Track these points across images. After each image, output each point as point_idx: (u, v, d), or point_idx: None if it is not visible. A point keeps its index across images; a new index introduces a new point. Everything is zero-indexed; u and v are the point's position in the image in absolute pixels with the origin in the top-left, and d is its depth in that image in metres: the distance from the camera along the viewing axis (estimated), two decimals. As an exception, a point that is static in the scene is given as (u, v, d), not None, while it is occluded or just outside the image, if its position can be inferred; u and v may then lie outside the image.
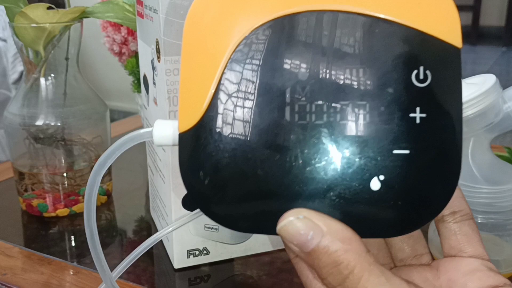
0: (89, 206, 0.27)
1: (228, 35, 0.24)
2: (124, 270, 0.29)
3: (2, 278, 0.45)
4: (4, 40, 1.62)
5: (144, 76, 0.49)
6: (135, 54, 0.74)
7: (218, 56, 0.24)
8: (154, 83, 0.45)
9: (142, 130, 0.27)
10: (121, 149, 0.27)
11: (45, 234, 0.54)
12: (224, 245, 0.47)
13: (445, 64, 0.24)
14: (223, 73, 0.24)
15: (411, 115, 0.23)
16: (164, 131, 0.26)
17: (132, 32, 0.72)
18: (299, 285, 0.45)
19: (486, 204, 0.43)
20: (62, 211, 0.56)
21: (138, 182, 0.66)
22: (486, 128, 0.47)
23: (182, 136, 0.25)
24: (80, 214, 0.57)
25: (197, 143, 0.24)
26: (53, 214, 0.56)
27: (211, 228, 0.46)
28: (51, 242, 0.52)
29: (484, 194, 0.43)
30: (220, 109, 0.24)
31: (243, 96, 0.24)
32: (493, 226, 0.43)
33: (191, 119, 0.24)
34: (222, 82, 0.24)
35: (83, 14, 0.53)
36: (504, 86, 0.51)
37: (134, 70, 0.74)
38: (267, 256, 0.49)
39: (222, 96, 0.24)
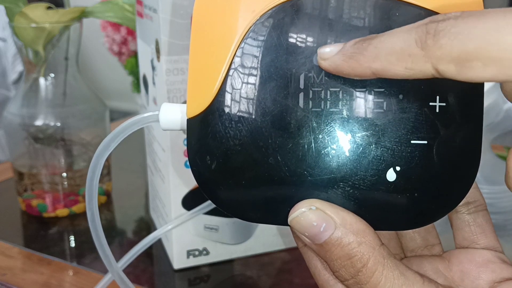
0: (90, 190, 0.26)
1: (241, 15, 0.23)
2: (129, 262, 0.29)
3: (2, 278, 0.45)
4: (4, 40, 1.62)
5: (144, 76, 0.49)
6: (135, 54, 0.74)
7: (229, 39, 0.23)
8: (154, 83, 0.45)
9: (147, 114, 0.26)
10: (125, 132, 0.26)
11: (45, 234, 0.54)
12: (224, 245, 0.47)
13: None
14: (234, 56, 0.23)
15: (431, 104, 0.22)
16: (172, 115, 0.25)
17: (131, 32, 0.72)
18: (299, 286, 0.45)
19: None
20: (62, 211, 0.56)
21: (138, 182, 0.66)
22: (486, 128, 0.47)
23: (191, 122, 0.24)
24: (80, 215, 0.57)
25: (208, 129, 0.23)
26: (52, 214, 0.56)
27: (211, 228, 0.46)
28: (51, 242, 0.52)
29: (484, 194, 0.43)
30: (231, 94, 0.23)
31: (255, 81, 0.23)
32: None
33: (201, 104, 0.23)
34: (233, 65, 0.23)
35: (83, 14, 0.53)
36: (504, 86, 0.50)
37: (133, 70, 0.74)
38: (267, 257, 0.49)
39: (233, 81, 0.23)
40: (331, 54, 0.22)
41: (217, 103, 0.23)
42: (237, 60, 0.23)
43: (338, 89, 0.23)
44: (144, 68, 0.48)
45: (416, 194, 0.23)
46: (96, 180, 0.26)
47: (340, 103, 0.23)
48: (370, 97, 0.23)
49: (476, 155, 0.23)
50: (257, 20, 0.23)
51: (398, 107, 0.22)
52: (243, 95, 0.23)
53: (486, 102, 0.46)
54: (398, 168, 0.23)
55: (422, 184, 0.23)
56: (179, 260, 0.46)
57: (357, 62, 0.20)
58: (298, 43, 0.23)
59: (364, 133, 0.23)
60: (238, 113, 0.23)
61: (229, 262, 0.48)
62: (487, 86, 0.47)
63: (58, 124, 0.55)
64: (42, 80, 0.54)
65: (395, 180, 0.23)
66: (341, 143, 0.23)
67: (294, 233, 0.24)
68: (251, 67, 0.23)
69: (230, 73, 0.23)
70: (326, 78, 0.23)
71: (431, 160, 0.23)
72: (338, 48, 0.21)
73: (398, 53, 0.19)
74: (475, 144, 0.23)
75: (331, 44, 0.22)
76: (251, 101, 0.23)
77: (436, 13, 0.23)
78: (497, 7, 0.18)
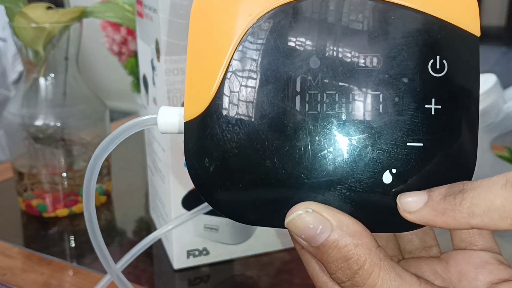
0: (88, 192, 0.27)
1: (238, 18, 0.24)
2: (129, 263, 0.29)
3: (2, 278, 0.45)
4: (4, 40, 1.62)
5: (144, 76, 0.49)
6: (135, 54, 0.74)
7: (227, 42, 0.24)
8: (154, 83, 0.45)
9: (145, 117, 0.26)
10: (124, 135, 0.26)
11: (45, 234, 0.54)
12: (224, 245, 0.47)
13: (463, 53, 0.23)
14: (231, 60, 0.23)
15: (427, 106, 0.23)
16: (170, 118, 0.25)
17: (131, 32, 0.72)
18: (299, 286, 0.45)
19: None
20: (62, 211, 0.56)
21: (138, 182, 0.66)
22: (486, 128, 0.47)
23: (189, 124, 0.24)
24: (80, 215, 0.57)
25: (205, 132, 0.24)
26: (52, 215, 0.56)
27: (211, 228, 0.46)
28: (51, 242, 0.52)
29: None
30: (228, 97, 0.23)
31: (252, 84, 0.23)
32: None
33: (198, 107, 0.24)
34: (230, 69, 0.23)
35: (83, 14, 0.53)
36: (504, 86, 0.51)
37: (133, 70, 0.74)
38: (267, 257, 0.49)
39: (230, 84, 0.23)
40: (417, 207, 0.22)
41: (214, 106, 0.23)
42: (234, 63, 0.23)
43: (334, 92, 0.23)
44: (144, 68, 0.48)
45: None
46: (93, 182, 0.27)
47: (337, 106, 0.23)
48: (366, 100, 0.23)
49: (472, 157, 0.23)
50: (255, 23, 0.23)
51: (394, 110, 0.23)
52: (240, 98, 0.23)
53: (486, 102, 0.46)
54: (394, 171, 0.23)
55: (418, 186, 0.23)
56: (179, 260, 0.46)
57: (453, 218, 0.21)
58: (295, 46, 0.23)
59: (360, 135, 0.23)
60: (235, 116, 0.23)
61: (229, 262, 0.48)
62: (487, 86, 0.47)
63: (58, 124, 0.55)
64: (42, 80, 0.54)
65: (391, 182, 0.23)
66: (338, 145, 0.23)
67: (293, 237, 0.24)
68: (248, 70, 0.23)
69: (228, 76, 0.23)
70: (322, 81, 0.23)
71: (427, 162, 0.23)
72: (423, 199, 0.22)
73: (500, 210, 0.20)
74: (471, 146, 0.23)
75: (411, 193, 0.22)
76: (248, 104, 0.23)
77: (431, 16, 0.23)
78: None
